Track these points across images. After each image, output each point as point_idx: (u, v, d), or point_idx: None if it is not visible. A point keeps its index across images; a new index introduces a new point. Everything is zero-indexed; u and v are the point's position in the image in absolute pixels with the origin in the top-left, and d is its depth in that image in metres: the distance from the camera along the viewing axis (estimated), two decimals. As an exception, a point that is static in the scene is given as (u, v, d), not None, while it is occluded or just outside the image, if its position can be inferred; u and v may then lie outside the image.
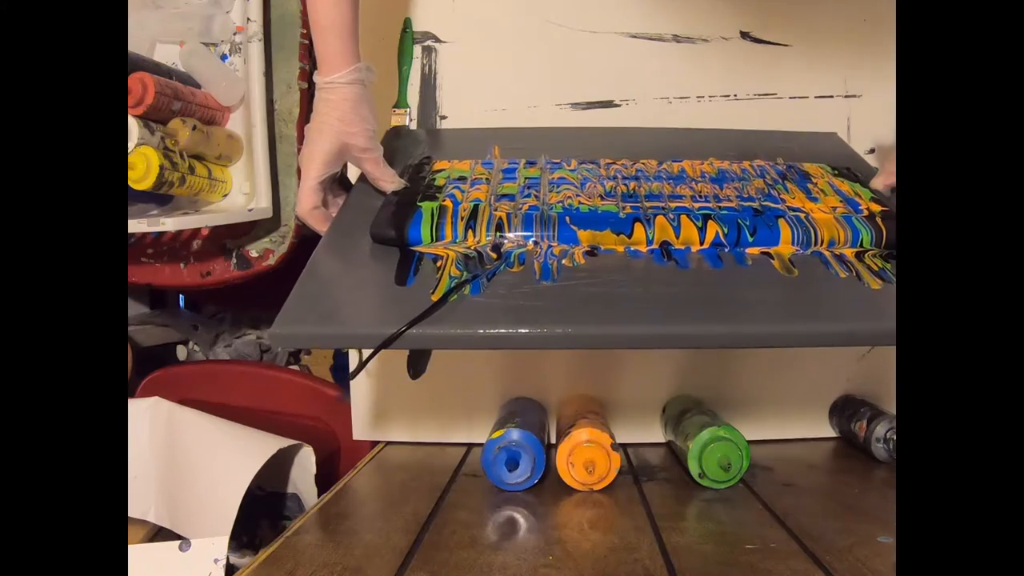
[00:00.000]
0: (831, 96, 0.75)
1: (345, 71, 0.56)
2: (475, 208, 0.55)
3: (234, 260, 0.79)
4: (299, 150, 0.59)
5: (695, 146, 0.68)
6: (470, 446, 0.73)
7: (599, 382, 0.74)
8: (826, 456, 0.70)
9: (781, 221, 0.54)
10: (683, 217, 0.54)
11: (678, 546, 0.48)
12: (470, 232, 0.53)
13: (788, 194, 0.59)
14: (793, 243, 0.53)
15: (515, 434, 0.60)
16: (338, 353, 1.01)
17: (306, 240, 0.77)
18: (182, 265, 0.80)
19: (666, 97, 0.75)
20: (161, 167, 0.65)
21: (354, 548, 0.49)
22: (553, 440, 0.70)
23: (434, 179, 0.61)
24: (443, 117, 0.75)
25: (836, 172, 0.64)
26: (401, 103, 0.75)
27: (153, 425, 0.73)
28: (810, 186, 0.60)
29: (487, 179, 0.61)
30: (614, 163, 0.64)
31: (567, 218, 0.54)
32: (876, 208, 0.56)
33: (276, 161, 0.77)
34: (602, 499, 0.58)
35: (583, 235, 0.53)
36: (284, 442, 0.69)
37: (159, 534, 0.71)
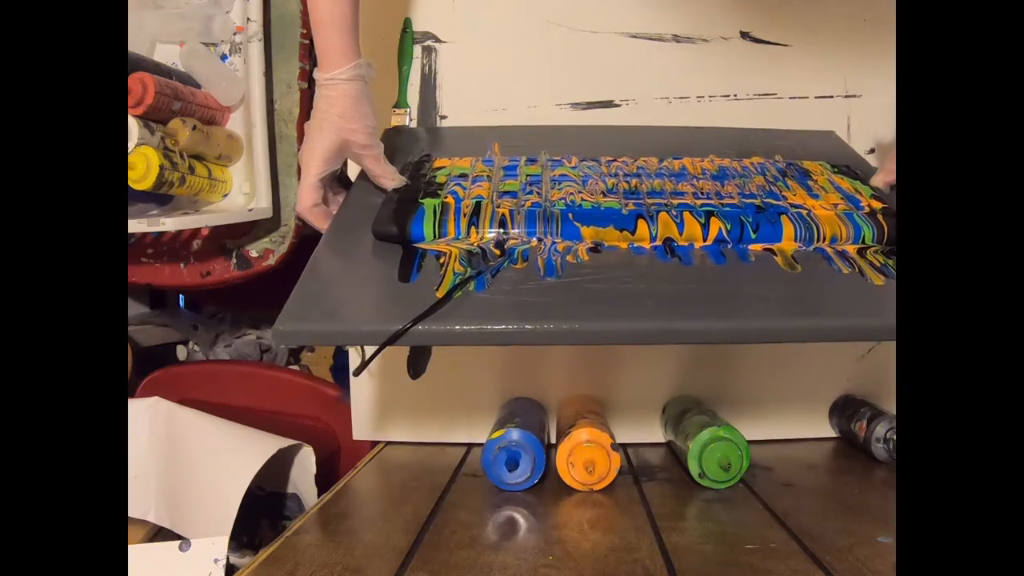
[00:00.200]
0: (831, 96, 0.75)
1: (345, 67, 0.56)
2: (477, 205, 0.55)
3: (234, 260, 0.79)
4: (299, 149, 0.59)
5: (695, 144, 0.68)
6: (470, 446, 0.73)
7: (599, 382, 0.73)
8: (826, 456, 0.70)
9: (783, 217, 0.54)
10: (686, 214, 0.54)
11: (678, 546, 0.48)
12: (473, 229, 0.53)
13: (789, 191, 0.59)
14: (796, 239, 0.53)
15: (515, 434, 0.60)
16: (338, 353, 1.01)
17: (306, 240, 0.77)
18: (182, 265, 0.80)
19: (666, 97, 0.75)
20: (161, 167, 0.64)
21: (354, 548, 0.49)
22: (553, 440, 0.70)
23: (435, 176, 0.61)
24: (443, 117, 0.75)
25: (836, 169, 0.64)
26: (401, 103, 0.75)
27: (153, 425, 0.73)
28: (810, 183, 0.60)
29: (488, 176, 0.61)
30: (615, 161, 0.64)
31: (570, 215, 0.54)
32: (877, 205, 0.56)
33: (276, 161, 0.77)
34: (602, 499, 0.58)
35: (586, 231, 0.53)
36: (284, 442, 0.69)
37: (159, 534, 0.71)
